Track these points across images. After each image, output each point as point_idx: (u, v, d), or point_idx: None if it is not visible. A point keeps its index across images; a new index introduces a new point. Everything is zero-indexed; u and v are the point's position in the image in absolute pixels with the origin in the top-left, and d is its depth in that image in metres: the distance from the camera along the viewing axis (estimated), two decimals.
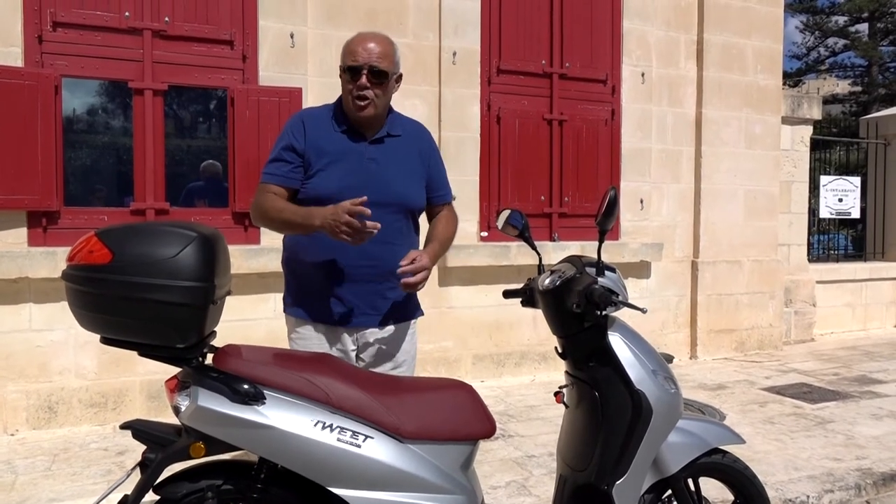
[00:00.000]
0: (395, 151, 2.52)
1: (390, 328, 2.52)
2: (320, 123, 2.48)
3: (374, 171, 2.45)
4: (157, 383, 4.69)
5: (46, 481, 3.67)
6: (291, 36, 5.11)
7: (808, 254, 8.22)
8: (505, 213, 2.59)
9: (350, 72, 2.41)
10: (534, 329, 5.92)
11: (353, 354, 2.51)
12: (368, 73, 2.39)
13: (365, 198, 2.20)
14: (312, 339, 2.48)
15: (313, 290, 2.48)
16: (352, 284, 2.43)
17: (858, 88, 29.93)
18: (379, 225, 2.22)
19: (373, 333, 2.50)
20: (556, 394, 2.41)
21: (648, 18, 6.50)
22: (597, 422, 2.28)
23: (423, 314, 2.67)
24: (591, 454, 2.29)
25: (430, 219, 2.68)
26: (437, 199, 2.65)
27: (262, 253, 4.87)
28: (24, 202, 4.43)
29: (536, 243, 2.61)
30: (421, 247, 2.55)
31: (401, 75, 2.54)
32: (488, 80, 5.89)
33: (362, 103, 2.41)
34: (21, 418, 4.48)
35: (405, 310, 2.56)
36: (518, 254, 5.68)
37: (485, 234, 5.85)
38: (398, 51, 2.50)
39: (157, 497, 1.96)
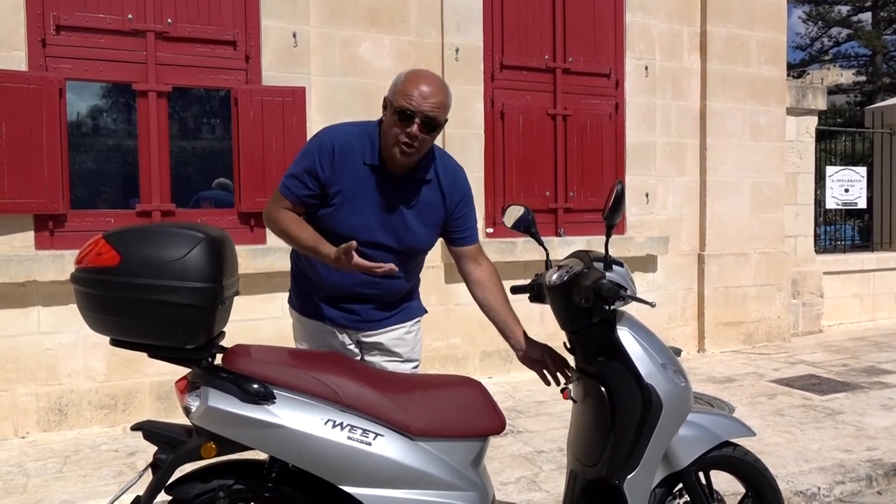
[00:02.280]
0: (419, 199, 2.38)
1: (393, 328, 2.52)
2: (351, 153, 2.32)
3: (391, 217, 2.35)
4: (167, 384, 4.71)
5: (58, 483, 3.69)
6: (294, 35, 5.11)
7: (815, 245, 8.19)
8: (511, 209, 2.58)
9: (400, 115, 2.23)
10: (541, 325, 5.89)
11: (356, 350, 2.51)
12: (421, 122, 2.22)
13: (393, 265, 2.17)
14: (315, 332, 2.49)
15: (315, 299, 2.48)
16: (353, 303, 2.43)
17: (863, 78, 29.76)
18: (396, 269, 2.19)
19: (375, 335, 2.50)
20: (562, 390, 2.40)
21: (651, 11, 6.48)
22: (607, 417, 2.27)
23: (426, 312, 2.65)
24: (602, 449, 2.28)
25: (456, 259, 2.53)
26: (461, 240, 2.49)
27: (269, 253, 4.88)
28: (31, 206, 4.44)
29: (542, 239, 2.60)
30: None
31: (446, 120, 2.34)
32: (491, 77, 5.88)
33: (409, 150, 2.25)
34: (31, 421, 4.50)
35: (407, 311, 2.55)
36: (524, 250, 5.68)
37: (490, 230, 5.85)
38: (451, 96, 2.34)
39: (169, 497, 1.97)
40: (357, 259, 2.13)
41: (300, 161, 2.36)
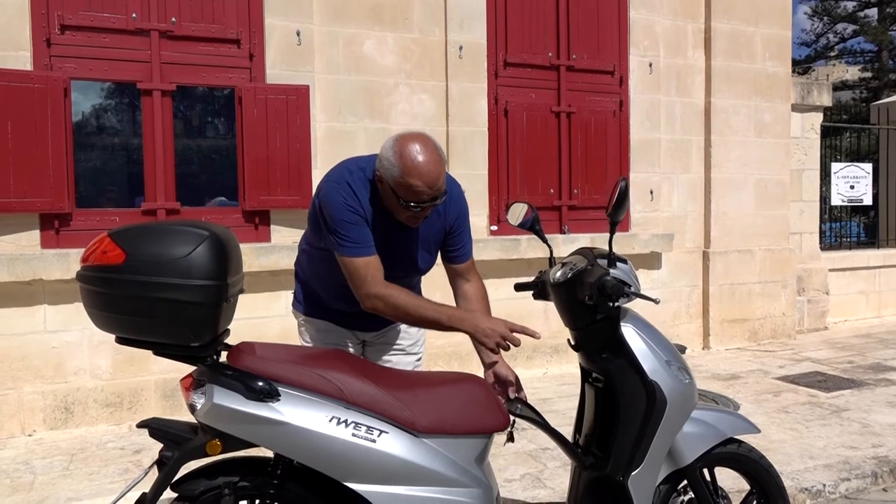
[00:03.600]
0: (426, 225, 2.36)
1: (394, 326, 2.53)
2: (363, 195, 2.26)
3: (400, 247, 2.35)
4: (172, 382, 4.73)
5: (65, 481, 3.71)
6: (298, 34, 5.11)
7: (821, 242, 8.17)
8: (515, 206, 2.58)
9: (408, 206, 2.17)
10: (545, 322, 5.90)
11: (358, 347, 2.54)
12: (430, 202, 2.18)
13: (538, 334, 2.13)
14: (319, 329, 2.50)
15: (319, 303, 2.50)
16: (359, 315, 2.42)
17: (868, 74, 29.61)
18: (540, 335, 2.16)
19: (378, 333, 2.53)
20: (509, 433, 2.26)
21: (655, 8, 6.46)
22: (611, 413, 2.28)
23: None
24: (607, 445, 2.29)
25: (449, 273, 2.53)
26: (455, 258, 2.49)
27: (274, 251, 4.89)
28: (36, 205, 4.46)
29: (546, 236, 2.60)
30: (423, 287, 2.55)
31: None
32: (495, 74, 5.88)
33: (417, 219, 2.26)
34: (38, 419, 4.52)
35: None
36: (528, 247, 5.68)
37: (494, 227, 5.84)
38: (445, 157, 2.27)
39: (175, 494, 1.98)
40: (510, 334, 2.12)
41: (343, 217, 2.21)
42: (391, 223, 2.30)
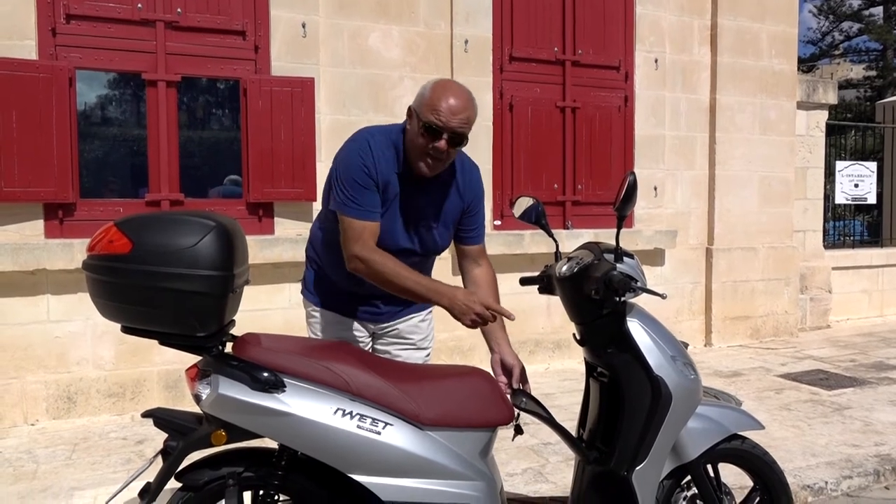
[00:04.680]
0: (440, 198, 2.38)
1: (408, 318, 2.53)
2: (385, 159, 2.28)
3: (414, 220, 2.35)
4: (175, 373, 4.73)
5: (67, 470, 3.71)
6: (303, 26, 5.10)
7: (824, 240, 8.15)
8: (520, 200, 2.57)
9: (427, 129, 2.19)
10: (548, 317, 5.91)
11: (367, 341, 2.53)
12: (449, 138, 2.20)
13: (513, 315, 2.13)
14: (328, 321, 2.50)
15: (334, 293, 2.50)
16: (369, 298, 2.45)
17: (873, 73, 29.54)
18: (515, 316, 2.14)
19: (388, 325, 2.52)
20: (515, 427, 2.28)
21: (661, 4, 6.44)
22: (616, 408, 2.28)
23: None
24: (611, 440, 2.29)
25: (459, 255, 2.52)
26: (468, 238, 2.49)
27: (277, 243, 4.89)
28: (41, 194, 4.46)
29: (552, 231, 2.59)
30: (435, 272, 2.55)
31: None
32: (500, 68, 5.86)
33: (435, 164, 2.25)
34: (41, 408, 4.53)
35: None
36: (532, 242, 5.67)
37: (498, 222, 5.84)
38: (477, 106, 2.32)
39: (179, 484, 1.98)
40: (485, 311, 2.11)
41: (353, 177, 2.23)
42: (410, 188, 2.30)
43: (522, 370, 2.37)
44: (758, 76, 6.89)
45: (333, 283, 2.47)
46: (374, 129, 2.37)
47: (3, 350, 4.44)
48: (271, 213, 5.07)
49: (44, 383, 4.53)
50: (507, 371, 2.36)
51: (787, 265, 7.11)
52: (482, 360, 5.79)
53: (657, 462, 2.26)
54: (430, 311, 2.62)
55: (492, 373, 2.34)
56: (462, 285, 2.47)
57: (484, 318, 2.12)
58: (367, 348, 2.52)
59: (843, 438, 4.17)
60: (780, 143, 7.05)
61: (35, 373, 4.51)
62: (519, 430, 2.28)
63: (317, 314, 2.53)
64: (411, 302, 2.48)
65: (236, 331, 2.09)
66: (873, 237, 9.40)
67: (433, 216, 2.38)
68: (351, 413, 1.95)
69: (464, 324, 2.14)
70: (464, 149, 2.38)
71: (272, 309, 4.90)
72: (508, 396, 2.27)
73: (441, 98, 2.20)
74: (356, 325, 2.50)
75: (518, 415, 2.24)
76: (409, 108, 2.29)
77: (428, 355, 2.63)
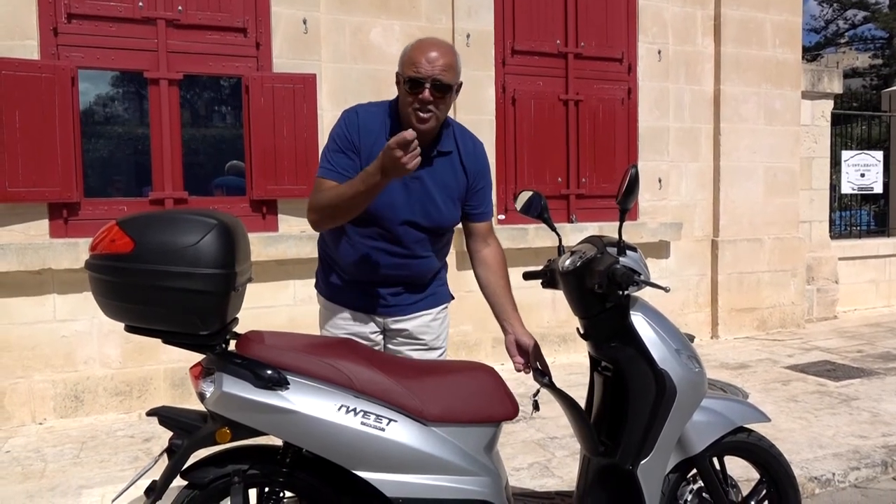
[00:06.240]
0: (442, 172, 2.39)
1: (419, 315, 2.50)
2: (374, 125, 2.33)
3: (416, 191, 2.34)
4: (181, 371, 4.75)
5: (75, 469, 3.73)
6: (304, 22, 5.09)
7: (830, 230, 8.12)
8: (523, 195, 2.56)
9: (411, 84, 2.24)
10: (553, 311, 5.90)
11: (379, 338, 2.50)
12: (432, 87, 2.23)
13: (412, 133, 1.98)
14: (342, 318, 2.47)
15: (344, 286, 2.48)
16: (379, 286, 2.43)
17: (879, 61, 29.31)
18: (414, 133, 2.01)
19: (401, 321, 2.48)
20: (534, 403, 2.38)
21: None
22: (621, 402, 2.27)
23: (453, 298, 2.63)
24: (616, 434, 2.28)
25: (467, 234, 2.52)
26: (477, 216, 2.50)
27: (281, 240, 4.89)
28: (45, 194, 4.47)
29: (555, 225, 2.58)
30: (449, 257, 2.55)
31: (461, 84, 2.36)
32: (503, 62, 5.84)
33: (425, 116, 2.26)
34: (48, 407, 4.55)
35: (435, 297, 2.52)
36: (535, 236, 5.66)
37: (502, 216, 5.83)
38: (460, 59, 2.34)
39: (185, 482, 1.98)
40: (401, 152, 1.98)
41: (333, 140, 2.34)
42: None
43: (537, 347, 2.38)
44: (762, 66, 6.85)
45: (345, 275, 2.45)
46: (369, 103, 2.46)
47: (10, 350, 4.46)
48: (275, 210, 5.07)
49: (51, 382, 4.55)
50: (523, 350, 2.37)
51: (793, 256, 7.08)
52: (487, 355, 5.80)
53: (662, 456, 2.26)
54: (443, 309, 2.57)
55: (507, 354, 2.37)
56: (472, 269, 2.53)
57: (400, 144, 1.96)
58: (378, 348, 2.49)
59: (851, 430, 4.15)
60: (785, 133, 7.01)
61: (42, 372, 4.53)
62: (536, 407, 2.34)
63: (328, 309, 2.51)
64: (421, 293, 2.46)
65: (240, 328, 2.09)
66: (880, 227, 9.34)
67: (434, 187, 2.38)
68: (355, 410, 1.94)
69: (409, 168, 2.01)
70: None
71: (276, 306, 4.91)
72: (531, 374, 2.32)
73: (419, 52, 2.25)
74: (368, 320, 2.47)
75: (538, 390, 2.27)
76: (396, 75, 2.33)
77: (441, 354, 2.57)
